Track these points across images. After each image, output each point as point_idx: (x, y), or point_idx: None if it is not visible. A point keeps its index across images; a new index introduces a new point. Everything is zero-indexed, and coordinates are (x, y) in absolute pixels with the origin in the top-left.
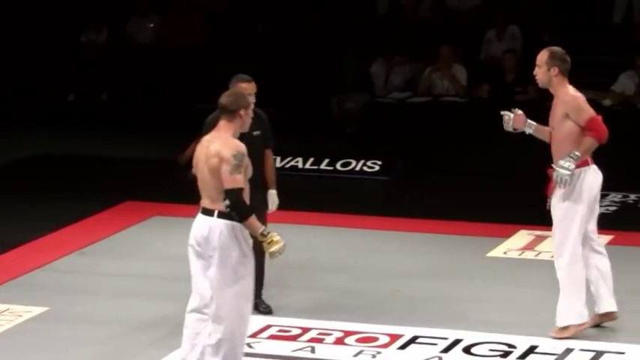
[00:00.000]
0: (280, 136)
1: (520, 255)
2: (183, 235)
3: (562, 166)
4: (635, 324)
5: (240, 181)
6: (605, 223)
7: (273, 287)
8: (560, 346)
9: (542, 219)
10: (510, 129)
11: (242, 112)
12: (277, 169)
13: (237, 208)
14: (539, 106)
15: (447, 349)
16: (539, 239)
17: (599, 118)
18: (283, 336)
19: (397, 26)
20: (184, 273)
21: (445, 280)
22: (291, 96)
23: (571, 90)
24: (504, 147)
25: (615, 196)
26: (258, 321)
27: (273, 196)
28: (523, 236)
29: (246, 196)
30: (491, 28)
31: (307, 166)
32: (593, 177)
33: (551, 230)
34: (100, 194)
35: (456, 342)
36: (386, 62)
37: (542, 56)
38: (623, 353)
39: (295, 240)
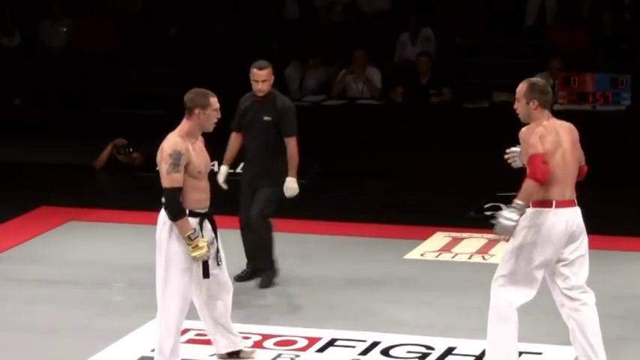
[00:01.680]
0: None
1: (437, 257)
2: (98, 240)
3: (504, 217)
4: (552, 324)
5: (176, 180)
6: None
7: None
8: (478, 347)
9: (458, 221)
10: (519, 164)
11: (197, 110)
12: None
13: (170, 208)
14: (454, 108)
15: (365, 352)
16: (456, 241)
17: (540, 156)
18: (202, 340)
19: (310, 29)
20: (100, 278)
21: (363, 283)
22: None
23: (542, 122)
24: (420, 149)
25: None
26: None
27: (288, 183)
28: (440, 238)
29: (202, 191)
30: (405, 31)
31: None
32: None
33: (467, 232)
34: (14, 200)
35: (374, 344)
36: (300, 65)
37: (521, 88)
38: (540, 354)
39: None
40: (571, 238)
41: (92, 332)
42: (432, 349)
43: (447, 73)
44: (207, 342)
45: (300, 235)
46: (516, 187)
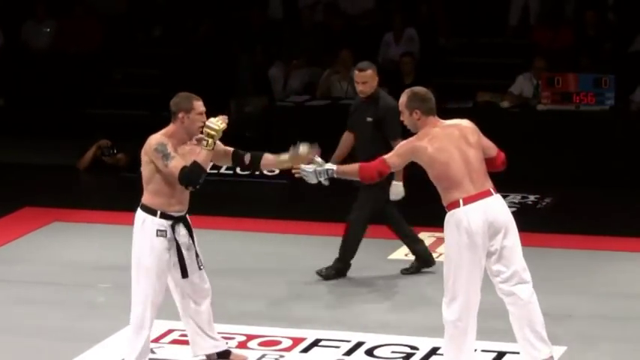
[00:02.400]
0: None
1: None
2: (83, 241)
3: (313, 171)
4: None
5: (177, 166)
6: None
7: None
8: None
9: (442, 221)
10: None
11: (181, 114)
12: None
13: (192, 182)
14: (438, 108)
15: (349, 352)
16: (440, 241)
17: (380, 164)
18: (186, 340)
19: (294, 30)
20: (84, 279)
21: (347, 283)
22: None
23: (428, 131)
24: None
25: (514, 197)
26: (160, 326)
27: (393, 187)
28: (424, 238)
29: (177, 195)
30: (389, 31)
31: (207, 170)
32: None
33: None
34: None
35: (359, 344)
36: (284, 66)
37: (402, 100)
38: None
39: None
40: (492, 229)
41: (76, 333)
42: (417, 349)
43: (430, 73)
44: None
45: (284, 235)
46: (499, 186)
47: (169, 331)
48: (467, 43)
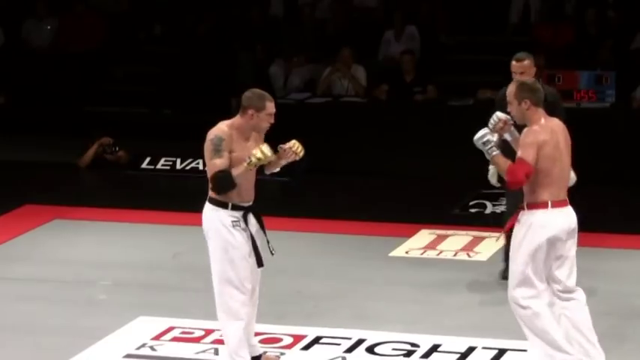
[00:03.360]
0: (180, 138)
1: (422, 254)
2: (83, 238)
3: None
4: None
5: (217, 165)
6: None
7: (175, 290)
8: (462, 345)
9: (443, 218)
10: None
11: (251, 111)
12: (177, 170)
13: (219, 190)
14: (438, 105)
15: (350, 349)
16: (441, 238)
17: (525, 166)
18: (187, 338)
19: (295, 27)
20: (85, 276)
21: (348, 280)
22: (190, 98)
23: (539, 122)
24: (404, 147)
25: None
26: (161, 323)
27: None
28: (424, 235)
29: (245, 185)
30: (390, 29)
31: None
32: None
33: (452, 229)
34: None
35: (360, 342)
36: (285, 63)
37: (511, 90)
38: (525, 351)
39: (198, 242)
40: (569, 235)
41: (77, 331)
42: (417, 346)
43: (431, 70)
44: (193, 340)
45: (285, 233)
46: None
47: (170, 329)
48: (467, 40)
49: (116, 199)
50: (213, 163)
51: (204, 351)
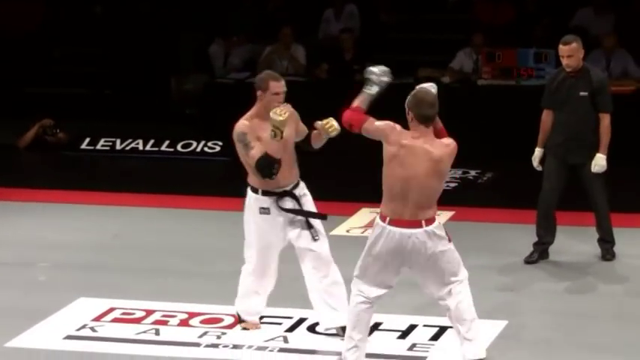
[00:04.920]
0: (119, 118)
1: (362, 233)
2: (23, 220)
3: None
4: (482, 301)
5: (254, 155)
6: (446, 200)
7: (116, 271)
8: (403, 323)
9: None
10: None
11: (259, 92)
12: (117, 151)
13: (264, 174)
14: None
15: (291, 329)
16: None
17: (359, 114)
18: (127, 319)
19: (235, 6)
20: (25, 258)
21: (288, 260)
22: (129, 78)
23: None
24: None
25: (455, 173)
26: (102, 304)
27: (598, 160)
28: (365, 214)
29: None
30: (329, 8)
31: (148, 147)
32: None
33: None
34: None
35: (301, 321)
36: (225, 43)
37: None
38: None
39: (138, 223)
40: (403, 260)
41: (17, 312)
42: None
43: (371, 49)
44: (133, 320)
45: (226, 213)
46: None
47: (111, 310)
48: (407, 19)
49: (56, 180)
50: (252, 156)
51: (145, 331)
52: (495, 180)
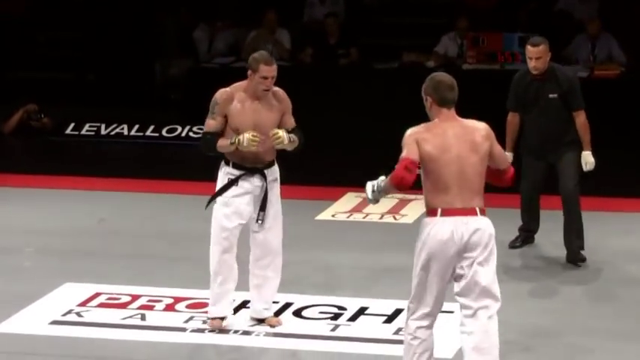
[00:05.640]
0: (104, 104)
1: (348, 217)
2: (8, 205)
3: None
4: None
5: (208, 125)
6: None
7: (101, 256)
8: (390, 307)
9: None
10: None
11: (249, 72)
12: (102, 136)
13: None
14: (364, 69)
15: (277, 313)
16: (367, 202)
17: (406, 160)
18: (113, 304)
19: None
20: (11, 243)
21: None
22: (114, 62)
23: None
24: (330, 110)
25: None
26: (87, 289)
27: (585, 157)
28: (351, 199)
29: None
30: None
31: (133, 132)
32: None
33: None
34: None
35: (287, 305)
36: (209, 27)
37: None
38: (452, 312)
39: (123, 208)
40: (462, 251)
41: (3, 298)
42: (344, 309)
43: (355, 33)
44: (119, 305)
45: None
46: None
47: (96, 295)
48: (392, 2)
49: (40, 166)
50: (207, 123)
51: (130, 316)
52: None
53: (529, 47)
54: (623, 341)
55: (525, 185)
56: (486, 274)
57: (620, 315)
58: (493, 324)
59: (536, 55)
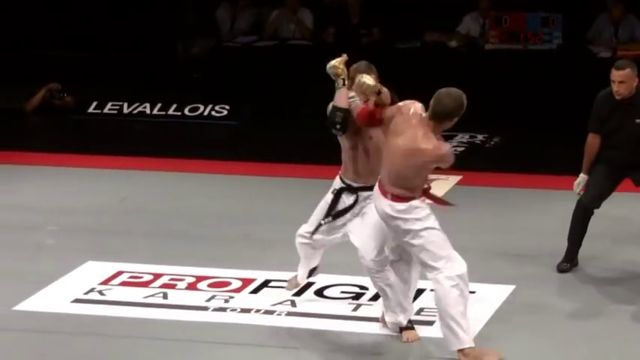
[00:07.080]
0: (127, 83)
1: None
2: (30, 183)
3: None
4: (489, 265)
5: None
6: (454, 164)
7: (124, 234)
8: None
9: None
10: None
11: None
12: (124, 115)
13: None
14: (386, 48)
15: (299, 293)
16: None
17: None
18: (135, 282)
19: None
20: (32, 222)
21: (295, 224)
22: (136, 41)
23: None
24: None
25: (463, 137)
26: (109, 267)
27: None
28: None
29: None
30: None
31: (155, 111)
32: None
33: None
34: None
35: (308, 285)
36: (231, 6)
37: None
38: (473, 292)
39: (145, 186)
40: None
41: (25, 276)
42: (366, 289)
43: (377, 13)
44: (141, 284)
45: (232, 177)
46: None
47: (119, 273)
48: None
49: (63, 144)
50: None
51: (152, 295)
52: (502, 144)
53: (613, 70)
54: None
55: (589, 202)
56: None
57: None
58: None
59: (619, 79)
